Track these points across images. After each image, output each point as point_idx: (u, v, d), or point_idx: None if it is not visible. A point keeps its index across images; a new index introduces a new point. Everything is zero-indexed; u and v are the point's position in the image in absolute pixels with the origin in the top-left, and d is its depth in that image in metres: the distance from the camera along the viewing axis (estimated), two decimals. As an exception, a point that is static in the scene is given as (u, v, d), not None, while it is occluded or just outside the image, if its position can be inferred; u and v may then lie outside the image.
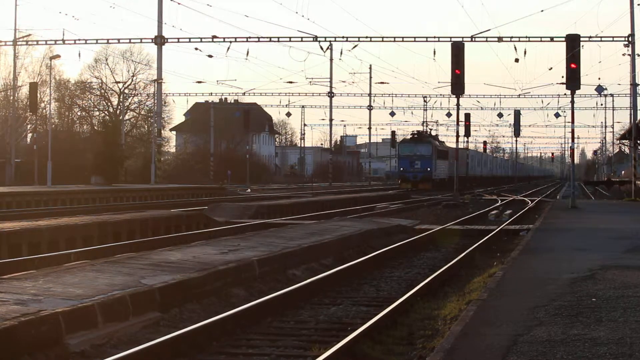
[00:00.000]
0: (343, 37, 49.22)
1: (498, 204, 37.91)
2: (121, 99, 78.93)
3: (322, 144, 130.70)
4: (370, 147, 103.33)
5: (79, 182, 50.86)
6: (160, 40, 49.62)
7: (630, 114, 46.88)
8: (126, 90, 79.22)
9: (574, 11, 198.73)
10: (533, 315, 8.20)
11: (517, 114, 73.57)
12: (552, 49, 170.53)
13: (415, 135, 64.08)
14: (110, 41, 52.36)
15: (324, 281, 12.38)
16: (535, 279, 10.89)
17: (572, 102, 31.41)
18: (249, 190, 57.99)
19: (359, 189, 61.96)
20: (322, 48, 49.15)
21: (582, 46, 31.95)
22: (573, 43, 30.49)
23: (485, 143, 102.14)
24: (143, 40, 52.32)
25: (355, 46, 50.33)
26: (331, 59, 69.16)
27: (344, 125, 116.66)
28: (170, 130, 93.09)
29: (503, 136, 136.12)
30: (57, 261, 14.17)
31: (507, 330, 7.49)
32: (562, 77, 32.37)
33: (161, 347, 7.71)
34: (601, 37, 45.82)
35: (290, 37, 48.53)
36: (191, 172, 74.48)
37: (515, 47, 45.99)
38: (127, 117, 79.17)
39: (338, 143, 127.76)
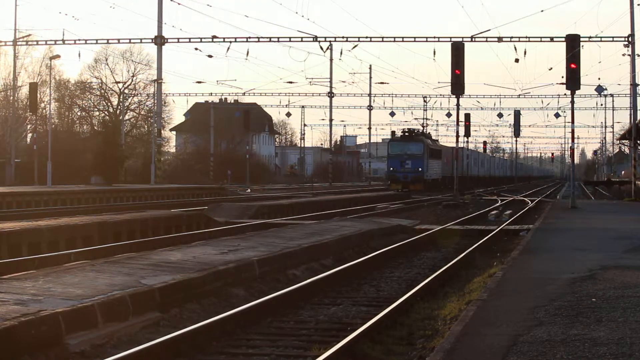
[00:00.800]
0: (343, 37, 49.19)
1: (498, 204, 37.94)
2: (121, 99, 78.86)
3: (322, 144, 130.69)
4: (370, 147, 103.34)
5: (79, 182, 50.85)
6: (160, 40, 49.62)
7: (630, 114, 46.86)
8: (126, 90, 79.17)
9: (574, 11, 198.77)
10: (533, 315, 8.19)
11: (517, 114, 73.49)
12: (552, 49, 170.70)
13: (406, 134, 60.12)
14: (110, 41, 52.42)
15: (324, 281, 12.38)
16: (535, 279, 10.89)
17: (572, 102, 31.44)
18: (249, 190, 57.98)
19: (359, 189, 61.50)
20: (322, 48, 49.17)
21: (582, 46, 31.99)
22: (573, 43, 30.50)
23: (485, 143, 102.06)
24: (143, 40, 52.31)
25: (355, 46, 50.33)
26: (331, 59, 69.19)
27: (344, 125, 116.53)
28: (170, 130, 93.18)
29: (503, 136, 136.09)
30: (57, 261, 14.17)
31: (507, 330, 7.49)
32: (562, 77, 32.46)
33: (161, 347, 7.71)
34: (601, 37, 45.83)
35: (290, 37, 48.51)
36: (191, 172, 74.44)
37: (515, 47, 45.95)
38: (127, 117, 79.10)
39: (338, 143, 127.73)
